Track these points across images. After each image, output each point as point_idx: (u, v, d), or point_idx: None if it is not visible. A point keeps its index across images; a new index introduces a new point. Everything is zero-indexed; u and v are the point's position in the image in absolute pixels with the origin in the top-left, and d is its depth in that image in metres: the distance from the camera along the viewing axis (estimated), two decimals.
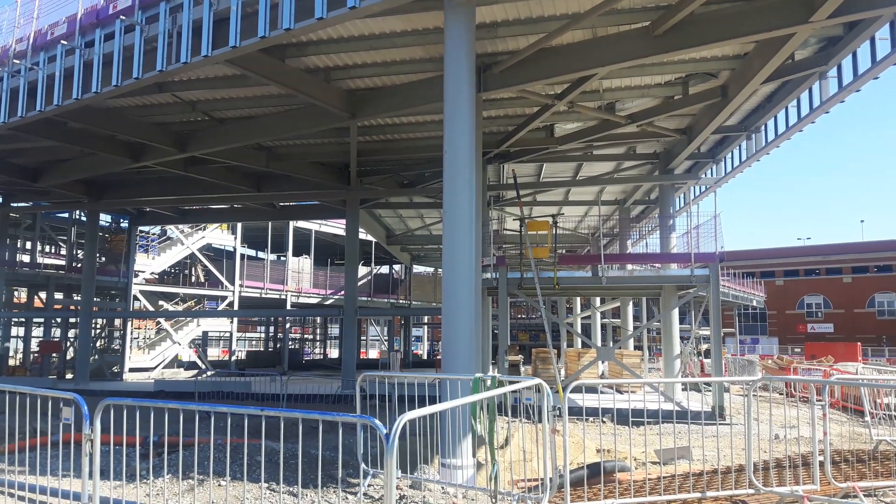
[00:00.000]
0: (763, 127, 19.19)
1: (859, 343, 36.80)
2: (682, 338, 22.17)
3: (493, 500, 7.01)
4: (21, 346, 34.80)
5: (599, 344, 30.74)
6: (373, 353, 59.20)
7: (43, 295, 34.17)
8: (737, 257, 55.11)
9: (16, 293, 36.91)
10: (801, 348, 44.93)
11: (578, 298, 34.16)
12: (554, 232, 18.66)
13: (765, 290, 40.27)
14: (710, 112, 16.79)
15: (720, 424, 14.24)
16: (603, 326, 36.62)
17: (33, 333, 34.67)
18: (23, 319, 34.38)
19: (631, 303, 29.26)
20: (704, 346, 30.40)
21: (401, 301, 46.07)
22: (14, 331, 34.77)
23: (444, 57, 11.02)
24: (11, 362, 32.61)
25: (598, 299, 31.48)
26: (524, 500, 6.74)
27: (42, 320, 34.46)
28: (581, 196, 27.71)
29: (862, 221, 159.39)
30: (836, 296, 57.72)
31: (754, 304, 33.96)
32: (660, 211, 23.75)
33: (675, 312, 20.74)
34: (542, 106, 16.64)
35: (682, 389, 20.01)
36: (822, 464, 6.92)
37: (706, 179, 23.35)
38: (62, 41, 14.06)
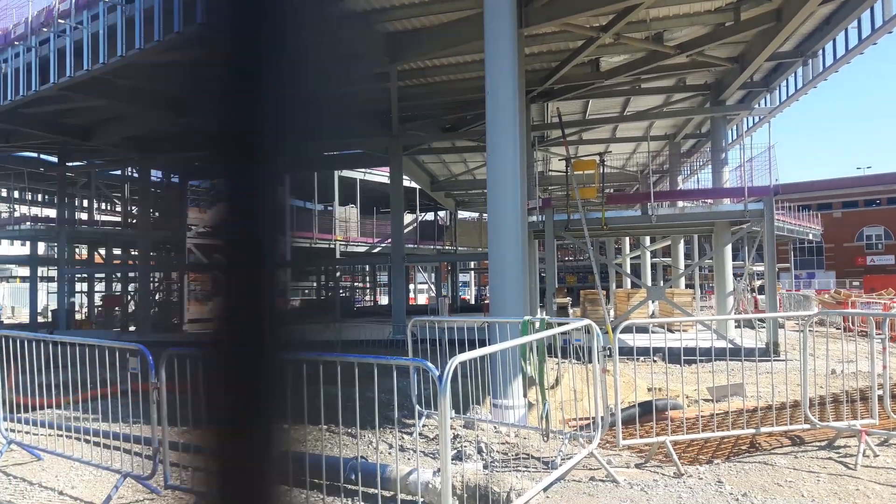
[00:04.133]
0: (820, 51, 18.28)
1: None
2: (735, 275, 21.76)
3: (545, 439, 7.11)
4: (86, 300, 36.31)
5: (649, 284, 30.44)
6: (421, 300, 59.91)
7: (102, 251, 35.41)
8: (792, 190, 53.29)
9: (77, 250, 38.36)
10: (859, 282, 43.67)
11: (627, 238, 33.74)
12: (601, 171, 18.32)
13: (821, 222, 39.01)
14: (763, 38, 16.02)
15: (774, 361, 14.06)
16: (653, 266, 36.19)
17: (96, 288, 36.08)
18: (85, 275, 35.77)
19: (682, 241, 28.75)
20: (758, 283, 29.81)
21: (447, 247, 46.24)
22: (78, 286, 36.24)
23: None
24: (78, 316, 34.12)
25: (647, 239, 31.03)
26: (576, 438, 6.82)
27: (103, 275, 35.79)
28: (629, 132, 27.02)
29: None
30: None
31: (810, 237, 32.99)
32: (711, 144, 23.05)
33: (728, 249, 20.31)
34: (586, 39, 16.13)
35: (735, 327, 19.76)
36: (880, 398, 6.79)
37: (760, 110, 22.49)
38: None
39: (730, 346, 15.64)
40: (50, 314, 35.58)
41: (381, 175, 39.48)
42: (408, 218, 41.85)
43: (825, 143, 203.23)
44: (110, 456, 6.29)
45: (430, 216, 50.61)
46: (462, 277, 59.21)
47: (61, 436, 7.00)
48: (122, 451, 6.42)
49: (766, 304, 17.60)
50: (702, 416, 7.37)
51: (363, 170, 39.43)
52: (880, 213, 56.88)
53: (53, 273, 35.76)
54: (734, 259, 22.22)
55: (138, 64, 16.77)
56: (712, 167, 22.37)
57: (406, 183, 31.69)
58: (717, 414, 7.39)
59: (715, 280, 21.28)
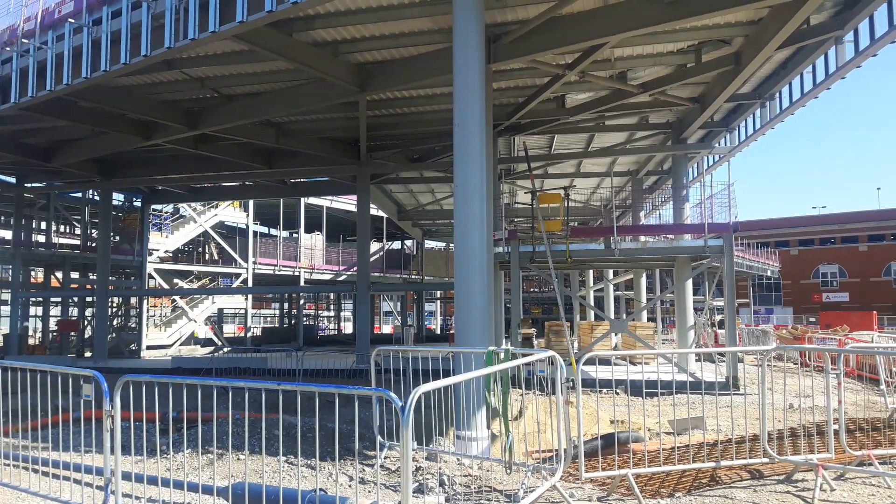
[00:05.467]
0: (777, 94, 18.93)
1: (875, 312, 36.57)
2: (695, 309, 22.13)
3: (508, 471, 7.07)
4: (40, 325, 35.26)
5: (612, 316, 30.73)
6: (386, 329, 59.54)
7: (59, 274, 34.53)
8: (751, 227, 54.69)
9: (33, 273, 37.31)
10: (815, 318, 44.72)
11: (591, 271, 34.12)
12: (566, 204, 18.56)
13: (779, 259, 39.98)
14: (723, 80, 16.54)
15: (734, 394, 14.25)
16: (616, 299, 36.57)
17: (51, 313, 35.10)
18: (41, 299, 34.79)
19: (644, 275, 29.17)
20: (718, 317, 30.31)
21: (413, 276, 46.17)
22: (32, 310, 35.18)
23: (452, 28, 10.89)
24: (31, 341, 33.05)
25: (610, 272, 31.41)
26: (539, 471, 6.79)
27: (59, 300, 34.86)
28: (593, 168, 27.49)
29: (878, 189, 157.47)
30: (852, 264, 57.25)
31: (769, 274, 33.75)
32: (673, 181, 23.56)
33: (689, 283, 20.68)
34: (552, 76, 16.45)
35: (696, 360, 20.02)
36: (836, 432, 6.91)
37: (720, 149, 23.10)
38: (70, 19, 14.02)
39: (690, 379, 15.82)
40: (1, 339, 34.39)
41: (347, 203, 39.43)
42: (374, 246, 41.75)
43: (783, 183, 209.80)
44: (59, 486, 6.06)
45: (396, 245, 50.58)
46: (428, 307, 59.06)
47: (9, 465, 6.74)
48: (73, 481, 6.21)
49: (726, 338, 17.90)
50: (663, 449, 7.41)
51: (330, 197, 39.33)
52: (835, 252, 58.58)
53: (7, 296, 34.65)
54: (695, 293, 22.64)
55: (103, 86, 16.59)
56: (674, 203, 22.82)
57: (373, 211, 31.69)
58: (678, 447, 7.45)
59: (676, 314, 21.59)
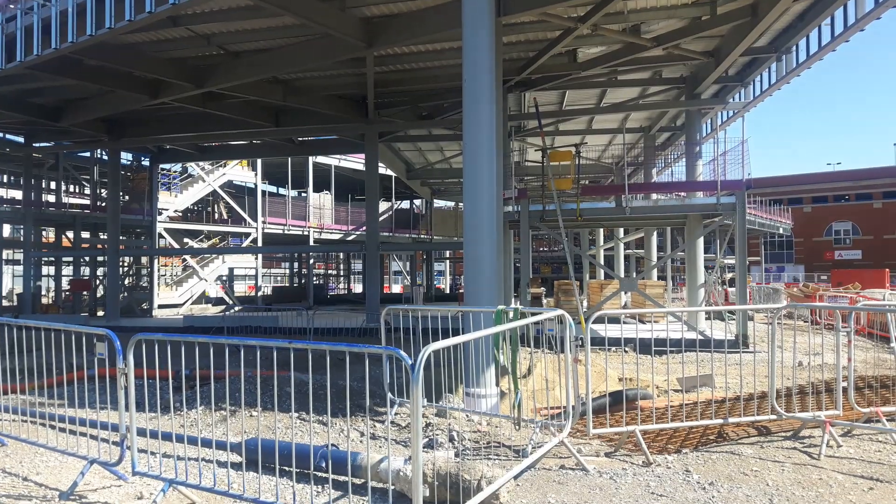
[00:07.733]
0: (794, 47, 18.50)
1: (888, 270, 36.37)
2: (706, 267, 22.05)
3: (517, 427, 7.14)
4: (52, 284, 35.65)
5: (622, 275, 30.71)
6: (396, 288, 59.87)
7: (70, 234, 34.76)
8: (764, 184, 54.12)
9: (44, 233, 37.56)
10: (827, 276, 44.56)
11: (601, 230, 34.00)
12: (577, 162, 18.38)
13: (792, 217, 39.63)
14: (738, 33, 16.16)
15: (743, 352, 14.27)
16: (626, 257, 36.51)
17: (63, 272, 35.46)
18: (52, 259, 35.09)
19: (655, 233, 29.04)
20: (729, 275, 30.23)
21: (422, 235, 46.18)
22: (45, 270, 35.51)
23: None
24: (44, 301, 33.45)
25: (621, 230, 31.28)
26: (547, 427, 6.86)
27: (71, 259, 35.17)
28: (605, 124, 27.13)
29: (895, 145, 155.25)
30: (866, 222, 56.75)
31: (781, 231, 33.53)
32: (686, 138, 23.26)
33: (700, 242, 20.58)
34: (564, 30, 16.11)
35: (706, 318, 20.02)
36: (845, 389, 6.92)
37: (734, 104, 22.72)
38: None
39: (700, 337, 15.86)
40: (15, 298, 34.88)
41: (356, 162, 39.26)
42: (383, 206, 41.69)
43: (798, 139, 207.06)
44: (76, 442, 6.18)
45: (405, 204, 50.49)
46: (437, 266, 59.25)
47: (26, 421, 6.86)
48: (89, 437, 6.32)
49: (737, 296, 17.87)
50: (671, 406, 7.46)
51: (338, 156, 39.12)
52: (849, 209, 58.04)
53: (19, 256, 35.01)
54: (706, 252, 22.56)
55: (108, 44, 16.40)
56: (686, 160, 22.57)
57: (382, 170, 31.51)
58: (686, 404, 7.49)
59: (686, 272, 21.54)
